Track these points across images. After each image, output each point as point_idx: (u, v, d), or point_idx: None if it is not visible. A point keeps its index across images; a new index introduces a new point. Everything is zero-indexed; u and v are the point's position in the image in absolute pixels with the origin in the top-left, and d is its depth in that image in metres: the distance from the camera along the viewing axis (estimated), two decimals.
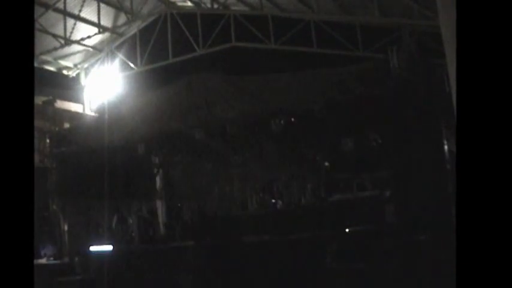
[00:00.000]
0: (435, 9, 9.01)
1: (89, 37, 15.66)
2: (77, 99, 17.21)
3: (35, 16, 14.42)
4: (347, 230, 10.18)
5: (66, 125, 15.27)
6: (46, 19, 14.91)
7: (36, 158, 13.44)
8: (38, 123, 13.61)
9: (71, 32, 15.38)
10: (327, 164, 13.01)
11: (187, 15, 15.82)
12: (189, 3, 15.87)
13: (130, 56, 16.76)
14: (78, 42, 15.91)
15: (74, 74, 17.73)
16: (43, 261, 12.61)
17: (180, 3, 16.27)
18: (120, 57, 16.93)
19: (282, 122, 11.45)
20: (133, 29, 16.74)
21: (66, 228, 13.47)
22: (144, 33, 16.61)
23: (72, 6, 14.99)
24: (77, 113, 16.73)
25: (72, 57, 17.11)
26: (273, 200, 13.76)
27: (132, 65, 16.67)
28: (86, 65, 17.69)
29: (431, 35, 11.07)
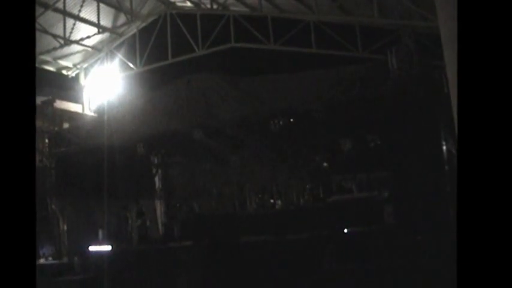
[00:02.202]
0: (434, 11, 9.04)
1: (88, 37, 15.67)
2: (76, 100, 17.20)
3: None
4: (345, 230, 10.21)
5: (66, 125, 15.27)
6: (45, 19, 14.91)
7: (36, 158, 13.43)
8: (37, 123, 13.60)
9: (71, 32, 15.39)
10: (325, 164, 13.02)
11: (186, 16, 15.83)
12: (189, 4, 15.87)
13: (130, 56, 16.77)
14: (77, 42, 15.91)
15: (74, 74, 17.73)
16: (42, 261, 12.61)
17: (179, 4, 16.27)
18: (119, 57, 16.93)
19: (280, 122, 11.49)
20: (133, 29, 16.74)
21: (65, 228, 13.47)
22: (144, 34, 16.61)
23: (72, 6, 14.99)
24: (76, 113, 16.72)
25: (71, 57, 17.11)
26: (272, 200, 13.77)
27: (131, 65, 16.67)
28: (85, 65, 17.69)
29: (430, 36, 11.10)
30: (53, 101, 14.47)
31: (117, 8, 15.49)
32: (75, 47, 16.42)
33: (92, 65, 17.64)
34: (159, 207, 15.73)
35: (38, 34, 14.90)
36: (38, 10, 14.41)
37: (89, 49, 17.03)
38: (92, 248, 12.57)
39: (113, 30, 16.40)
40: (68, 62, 17.31)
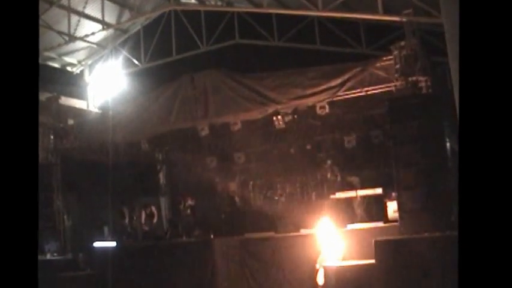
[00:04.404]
0: (438, 7, 8.99)
1: (93, 34, 15.68)
2: (80, 96, 17.24)
3: (39, 13, 14.47)
4: (348, 227, 10.23)
5: (70, 122, 15.33)
6: (50, 15, 14.95)
7: (41, 154, 13.49)
8: (42, 119, 13.66)
9: (75, 29, 15.42)
10: (329, 161, 13.02)
11: (190, 12, 15.83)
12: (193, 0, 15.85)
13: (134, 52, 16.78)
14: (82, 38, 15.93)
15: (78, 71, 17.76)
16: (47, 256, 12.68)
17: (183, 0, 16.26)
18: (124, 54, 16.95)
19: (285, 118, 11.50)
20: (137, 25, 16.75)
21: (70, 224, 13.54)
22: (148, 30, 16.62)
23: (76, 3, 15.02)
24: (80, 110, 16.75)
25: (76, 54, 17.14)
26: (276, 197, 13.78)
27: (136, 61, 16.70)
28: (89, 62, 17.71)
29: (434, 33, 11.06)
30: (58, 97, 14.52)
31: (122, 4, 15.51)
32: (79, 44, 16.44)
33: (96, 62, 17.67)
34: (164, 203, 15.80)
35: (42, 31, 14.94)
36: (43, 6, 14.45)
37: (94, 46, 17.05)
38: (96, 244, 12.65)
39: (117, 27, 16.42)
40: (73, 58, 17.35)
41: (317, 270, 9.69)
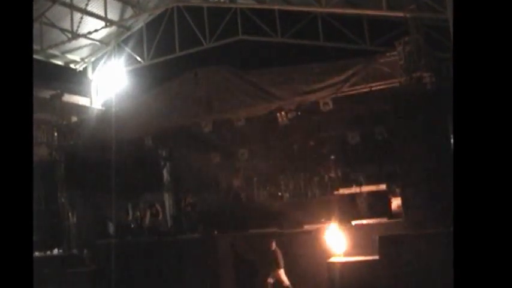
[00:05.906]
0: (444, 3, 8.96)
1: (95, 31, 15.71)
2: (84, 93, 17.30)
3: (42, 10, 14.50)
4: (353, 223, 10.22)
5: (74, 119, 15.36)
6: (53, 13, 14.98)
7: (45, 151, 13.55)
8: (46, 116, 13.73)
9: (78, 26, 15.45)
10: (333, 157, 13.01)
11: (194, 9, 15.83)
12: None
13: (137, 49, 16.80)
14: (85, 36, 15.96)
15: (81, 68, 17.80)
16: (52, 252, 12.73)
17: None
18: (127, 50, 16.97)
19: (288, 115, 11.48)
20: (140, 22, 16.77)
21: (74, 220, 13.58)
22: (151, 27, 16.64)
23: (79, 0, 15.04)
24: (84, 107, 16.81)
25: (79, 51, 17.18)
26: (280, 193, 13.79)
27: (139, 58, 16.72)
28: (93, 59, 17.75)
29: (439, 29, 11.03)
30: (61, 94, 14.53)
31: (124, 1, 15.52)
32: (82, 41, 16.47)
33: (99, 59, 17.71)
34: (168, 199, 15.82)
35: (45, 28, 14.99)
36: (45, 4, 14.48)
37: (97, 43, 17.08)
38: (101, 240, 12.68)
39: (120, 24, 16.43)
40: (76, 55, 17.38)
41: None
